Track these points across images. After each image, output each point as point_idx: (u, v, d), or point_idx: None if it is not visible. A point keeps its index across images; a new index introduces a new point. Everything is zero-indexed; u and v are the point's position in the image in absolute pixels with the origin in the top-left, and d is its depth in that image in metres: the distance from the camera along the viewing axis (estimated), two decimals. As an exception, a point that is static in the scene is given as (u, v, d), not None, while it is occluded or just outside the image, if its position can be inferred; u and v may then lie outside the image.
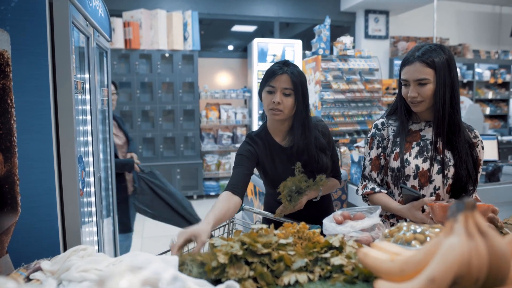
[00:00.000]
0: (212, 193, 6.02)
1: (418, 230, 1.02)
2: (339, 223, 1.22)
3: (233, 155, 4.96)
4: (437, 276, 0.59)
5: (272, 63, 1.64)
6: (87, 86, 1.78)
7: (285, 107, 1.53)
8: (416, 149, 1.50)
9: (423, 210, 1.39)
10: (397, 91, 1.62)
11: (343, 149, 3.50)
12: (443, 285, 0.59)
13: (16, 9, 1.29)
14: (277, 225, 1.22)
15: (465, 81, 6.96)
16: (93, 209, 1.84)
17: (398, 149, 1.52)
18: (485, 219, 1.24)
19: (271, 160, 1.65)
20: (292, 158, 1.61)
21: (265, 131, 1.67)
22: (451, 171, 1.47)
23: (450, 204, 1.22)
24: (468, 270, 0.58)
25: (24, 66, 1.33)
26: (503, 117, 7.41)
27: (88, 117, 1.79)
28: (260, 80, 1.63)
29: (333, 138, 2.04)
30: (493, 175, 3.16)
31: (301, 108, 1.56)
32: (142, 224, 4.82)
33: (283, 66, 1.54)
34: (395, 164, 1.52)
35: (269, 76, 1.54)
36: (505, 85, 7.35)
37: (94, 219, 1.86)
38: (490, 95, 7.15)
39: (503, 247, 0.60)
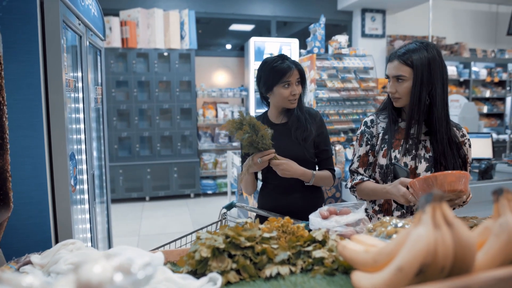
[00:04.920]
0: (209, 192, 6.04)
1: (399, 224, 1.05)
2: (324, 218, 1.24)
3: (230, 154, 4.98)
4: (404, 265, 0.62)
5: (272, 61, 1.77)
6: (80, 84, 1.80)
7: (298, 94, 1.76)
8: (405, 146, 1.53)
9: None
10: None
11: (338, 147, 3.53)
12: (410, 274, 0.61)
13: (8, 8, 1.32)
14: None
15: (461, 79, 6.99)
16: (86, 206, 1.86)
17: (386, 147, 1.55)
18: (462, 186, 1.24)
19: None
20: (286, 132, 1.80)
21: (264, 115, 1.90)
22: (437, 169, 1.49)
23: (426, 176, 1.25)
24: (434, 259, 0.60)
25: (15, 65, 1.35)
26: (500, 116, 7.44)
27: (81, 115, 1.81)
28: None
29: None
30: (486, 173, 3.19)
31: (302, 92, 1.82)
32: (139, 222, 4.85)
33: (287, 61, 1.74)
34: (383, 161, 1.54)
35: (284, 73, 1.71)
36: (501, 83, 7.37)
37: (87, 216, 1.88)
38: (487, 93, 7.18)
39: (468, 237, 0.62)
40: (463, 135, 1.55)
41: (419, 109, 1.45)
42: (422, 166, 1.50)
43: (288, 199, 1.78)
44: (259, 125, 1.60)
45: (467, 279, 0.60)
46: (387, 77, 1.54)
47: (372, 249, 0.76)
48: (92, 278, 0.45)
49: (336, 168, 3.30)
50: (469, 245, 0.62)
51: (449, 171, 1.25)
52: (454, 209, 1.48)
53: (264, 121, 1.88)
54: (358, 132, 1.65)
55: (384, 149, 1.55)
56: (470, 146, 1.56)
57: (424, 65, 1.43)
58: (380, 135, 1.59)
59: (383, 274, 0.66)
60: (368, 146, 1.60)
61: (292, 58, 1.79)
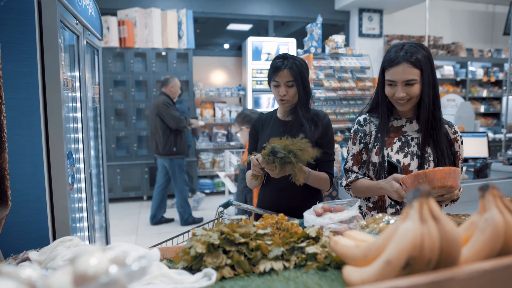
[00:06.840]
0: (207, 191, 6.05)
1: (392, 221, 1.07)
2: (319, 215, 1.26)
3: (227, 153, 4.99)
4: (392, 258, 0.63)
5: (274, 58, 1.80)
6: (77, 83, 1.81)
7: (290, 96, 1.75)
8: (398, 144, 1.55)
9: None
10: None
11: (335, 146, 3.55)
12: (398, 267, 0.63)
13: (5, 8, 1.33)
14: None
15: (458, 79, 7.02)
16: (84, 204, 1.88)
17: (379, 145, 1.56)
18: (451, 182, 1.27)
19: (266, 131, 1.85)
20: (287, 130, 1.79)
21: (274, 111, 1.93)
22: (431, 166, 1.51)
23: (416, 173, 1.27)
24: (420, 252, 0.62)
25: (13, 64, 1.36)
26: (496, 115, 7.48)
27: (79, 114, 1.82)
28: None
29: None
30: (481, 172, 3.21)
31: (302, 94, 1.77)
32: (137, 221, 4.86)
33: (284, 61, 1.73)
34: (376, 159, 1.56)
35: (273, 72, 1.74)
36: (498, 83, 7.41)
37: (85, 214, 1.89)
38: (484, 93, 7.21)
39: (454, 230, 0.64)
40: (455, 132, 1.57)
41: (430, 108, 1.48)
42: (415, 163, 1.51)
43: (288, 197, 1.79)
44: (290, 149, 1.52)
45: (453, 271, 0.62)
46: (391, 82, 1.48)
47: (363, 244, 0.78)
48: (88, 269, 0.47)
49: (332, 167, 3.33)
50: (455, 239, 0.64)
51: (439, 168, 1.27)
52: (447, 205, 1.50)
53: (273, 118, 1.89)
54: (352, 131, 1.67)
55: (377, 147, 1.57)
56: (462, 143, 1.59)
57: (427, 64, 1.44)
58: (373, 133, 1.61)
59: (372, 267, 0.68)
60: (362, 145, 1.62)
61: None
